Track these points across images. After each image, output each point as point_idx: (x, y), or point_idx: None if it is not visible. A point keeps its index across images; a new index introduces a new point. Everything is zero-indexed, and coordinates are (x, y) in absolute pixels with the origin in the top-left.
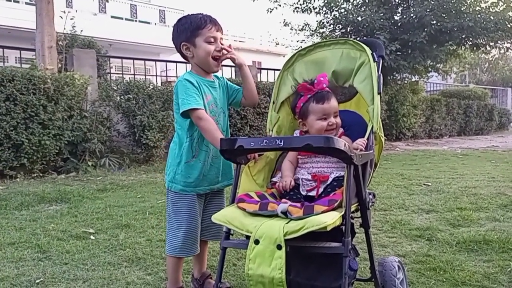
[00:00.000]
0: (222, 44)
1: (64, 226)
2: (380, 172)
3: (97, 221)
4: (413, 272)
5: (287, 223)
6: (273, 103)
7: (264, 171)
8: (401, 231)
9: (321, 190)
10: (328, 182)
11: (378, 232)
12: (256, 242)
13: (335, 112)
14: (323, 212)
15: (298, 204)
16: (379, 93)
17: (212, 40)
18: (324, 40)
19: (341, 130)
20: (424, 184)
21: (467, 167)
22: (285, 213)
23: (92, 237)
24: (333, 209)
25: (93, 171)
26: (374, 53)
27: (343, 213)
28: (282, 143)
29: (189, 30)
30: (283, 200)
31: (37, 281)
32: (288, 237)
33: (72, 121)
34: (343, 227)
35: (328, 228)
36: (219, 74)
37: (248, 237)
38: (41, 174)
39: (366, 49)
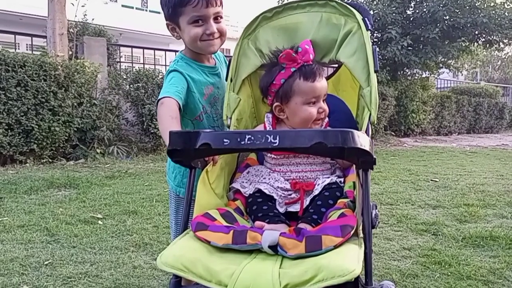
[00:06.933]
0: (218, 21)
1: (73, 210)
2: (387, 167)
3: (105, 207)
4: (418, 265)
5: (280, 265)
6: (231, 80)
7: (223, 175)
8: (407, 225)
9: (306, 203)
10: (316, 192)
11: (383, 225)
12: None
13: (325, 94)
14: (335, 246)
15: (288, 231)
16: (376, 71)
17: (200, 21)
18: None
19: (326, 119)
20: (432, 180)
21: (475, 165)
22: (275, 248)
23: (100, 222)
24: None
25: (101, 158)
26: (366, 19)
27: (363, 247)
28: (277, 141)
29: (170, 6)
30: (258, 223)
31: (46, 262)
32: None
33: (82, 108)
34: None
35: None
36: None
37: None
38: (50, 160)
39: (355, 14)
